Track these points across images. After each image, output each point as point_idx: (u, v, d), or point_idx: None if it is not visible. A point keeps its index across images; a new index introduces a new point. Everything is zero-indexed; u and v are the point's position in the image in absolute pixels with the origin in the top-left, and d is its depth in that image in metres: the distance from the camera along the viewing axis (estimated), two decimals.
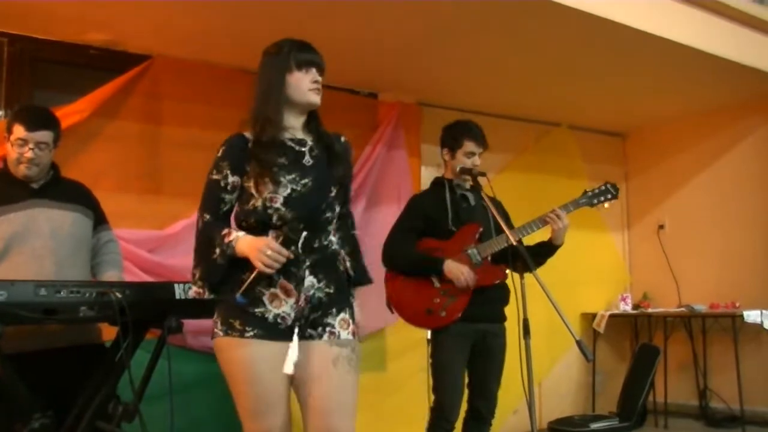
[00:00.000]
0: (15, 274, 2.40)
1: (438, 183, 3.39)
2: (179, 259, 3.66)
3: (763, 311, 5.11)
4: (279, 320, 2.09)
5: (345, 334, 2.16)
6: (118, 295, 2.32)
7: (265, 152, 2.13)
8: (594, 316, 5.77)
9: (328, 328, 2.14)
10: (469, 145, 3.26)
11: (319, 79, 2.22)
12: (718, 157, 5.75)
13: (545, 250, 3.27)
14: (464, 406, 3.30)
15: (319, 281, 2.13)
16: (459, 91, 4.94)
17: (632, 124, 6.17)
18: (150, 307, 2.43)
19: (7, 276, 2.36)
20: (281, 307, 2.09)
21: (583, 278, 5.73)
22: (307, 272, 2.11)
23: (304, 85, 2.19)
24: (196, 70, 4.04)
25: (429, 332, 3.25)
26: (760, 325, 5.12)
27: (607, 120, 5.99)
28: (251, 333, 2.06)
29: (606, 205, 3.39)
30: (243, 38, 3.79)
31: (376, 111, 4.75)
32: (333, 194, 2.20)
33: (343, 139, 2.34)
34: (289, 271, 2.09)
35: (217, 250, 2.09)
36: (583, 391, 5.78)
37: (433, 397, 3.22)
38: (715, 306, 5.42)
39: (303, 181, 2.13)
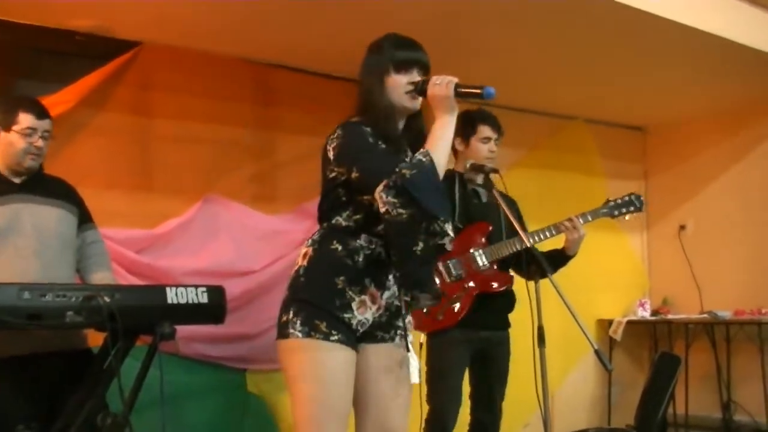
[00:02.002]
0: None
1: (447, 176, 3.35)
2: (170, 261, 3.67)
3: None
4: (359, 327, 2.19)
5: (411, 336, 2.32)
6: (107, 299, 2.32)
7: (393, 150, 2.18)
8: (610, 322, 5.78)
9: (399, 331, 2.28)
10: (485, 130, 3.26)
11: (418, 80, 2.20)
12: (746, 154, 5.75)
13: (557, 260, 3.27)
14: (466, 419, 3.30)
15: (398, 290, 2.26)
16: (468, 81, 4.93)
17: (654, 118, 6.16)
18: (141, 312, 2.43)
19: None
20: (365, 314, 2.20)
21: (598, 282, 5.73)
22: (392, 280, 2.25)
23: (401, 88, 2.20)
24: (190, 59, 4.02)
25: (422, 336, 3.23)
26: None
27: (626, 113, 5.97)
28: (336, 337, 2.13)
29: (627, 217, 3.43)
30: (239, 25, 3.79)
31: None
32: None
33: None
34: (380, 279, 2.22)
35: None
36: (599, 403, 5.79)
37: (428, 407, 3.22)
38: (739, 312, 5.42)
39: None
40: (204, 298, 2.56)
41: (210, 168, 4.06)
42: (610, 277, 5.88)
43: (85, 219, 2.95)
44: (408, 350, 2.27)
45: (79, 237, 2.91)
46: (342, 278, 2.16)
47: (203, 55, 4.07)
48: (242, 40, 4.01)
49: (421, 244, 2.04)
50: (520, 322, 3.29)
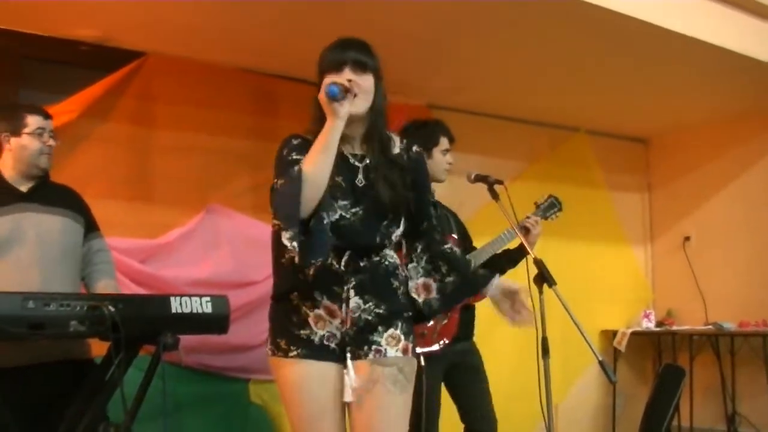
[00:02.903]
0: None
1: None
2: (173, 271, 3.68)
3: None
4: (325, 341, 2.10)
5: (392, 352, 2.12)
6: (111, 308, 2.31)
7: None
8: (614, 333, 5.77)
9: (374, 347, 2.11)
10: (445, 141, 3.31)
11: (351, 78, 2.06)
12: (749, 165, 5.76)
13: (517, 257, 3.31)
14: None
15: (365, 302, 2.11)
16: (470, 92, 4.96)
17: (656, 130, 6.18)
18: (144, 321, 2.42)
19: None
20: (326, 328, 2.10)
21: (602, 293, 5.74)
22: (352, 293, 2.10)
23: None
24: (192, 69, 4.06)
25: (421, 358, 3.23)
26: None
27: (628, 125, 5.99)
28: (295, 353, 2.09)
29: (554, 218, 3.51)
30: (242, 36, 3.81)
31: None
32: (386, 223, 2.15)
33: (414, 149, 2.26)
34: (332, 291, 2.09)
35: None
36: (603, 415, 5.78)
37: (464, 426, 3.25)
38: (744, 324, 5.41)
39: (353, 210, 2.11)
40: (208, 308, 2.54)
41: (211, 178, 4.08)
42: (614, 288, 5.89)
43: (91, 227, 2.96)
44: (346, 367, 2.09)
45: (85, 245, 2.91)
46: (295, 294, 2.11)
47: (205, 66, 4.10)
48: (244, 50, 4.04)
49: (287, 255, 2.03)
50: (523, 333, 3.27)
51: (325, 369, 2.09)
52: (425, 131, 3.33)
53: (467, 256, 3.18)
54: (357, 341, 2.10)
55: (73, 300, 2.31)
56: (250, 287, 3.86)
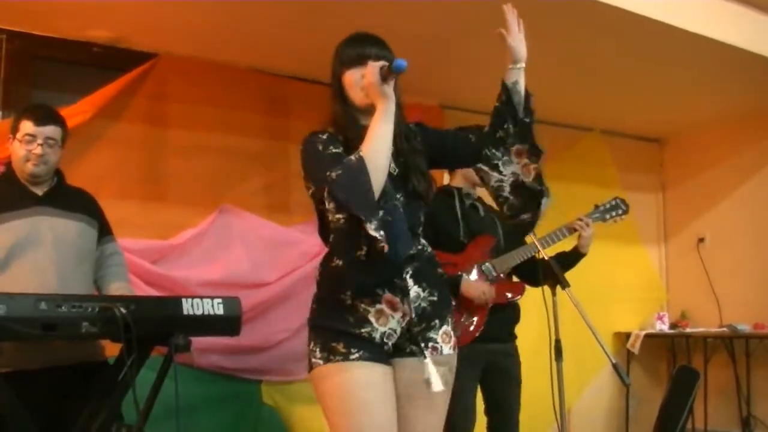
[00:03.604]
0: (16, 287, 2.42)
1: (446, 192, 3.35)
2: (186, 272, 3.69)
3: None
4: (386, 339, 2.02)
5: (447, 349, 2.09)
6: (123, 310, 2.32)
7: None
8: (628, 335, 5.74)
9: (431, 344, 2.06)
10: None
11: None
12: (764, 165, 5.70)
13: (570, 259, 3.32)
14: None
15: (423, 290, 2.06)
16: (482, 93, 4.90)
17: (671, 130, 6.14)
18: (156, 323, 2.43)
19: (7, 289, 2.37)
20: (388, 324, 2.02)
21: (615, 295, 5.71)
22: (410, 282, 2.04)
23: (356, 85, 2.09)
24: (204, 70, 4.07)
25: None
26: None
27: (643, 125, 5.96)
28: (356, 355, 1.97)
29: (617, 220, 3.46)
30: (253, 36, 3.82)
31: None
32: (424, 208, 2.15)
33: (413, 126, 2.23)
34: (392, 282, 2.02)
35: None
36: (616, 418, 5.75)
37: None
38: (759, 326, 5.37)
39: (397, 196, 2.08)
40: (220, 310, 2.55)
41: (223, 178, 4.09)
42: (627, 289, 5.86)
43: (104, 231, 2.96)
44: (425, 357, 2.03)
45: (99, 249, 2.92)
46: (349, 293, 2.02)
47: (217, 66, 4.11)
48: (255, 51, 4.04)
49: (364, 248, 1.96)
50: (537, 334, 3.27)
51: (385, 373, 2.02)
52: None
53: (507, 255, 3.23)
54: (412, 337, 2.04)
55: (85, 301, 2.32)
56: (262, 288, 3.88)
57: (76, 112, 3.52)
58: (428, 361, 2.02)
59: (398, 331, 2.03)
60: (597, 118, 5.68)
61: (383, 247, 1.89)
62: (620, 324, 5.81)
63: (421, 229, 2.15)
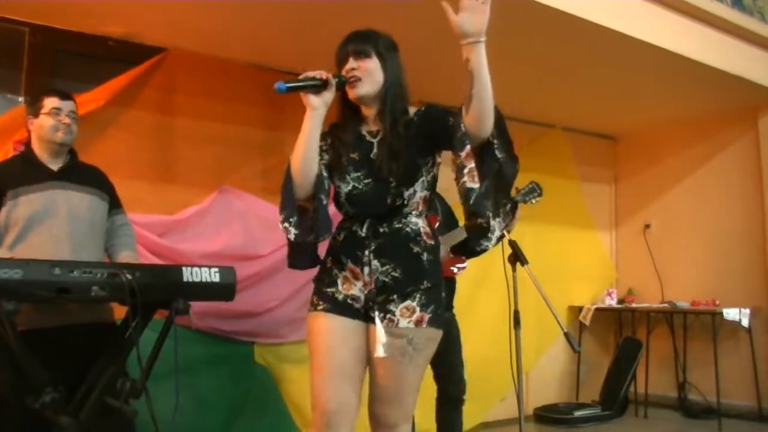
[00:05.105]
0: (33, 255, 2.40)
1: None
2: (188, 244, 3.66)
3: (742, 310, 5.13)
4: (350, 300, 2.08)
5: (405, 323, 2.00)
6: (129, 276, 2.32)
7: (341, 148, 2.14)
8: (581, 309, 5.78)
9: (388, 315, 2.02)
10: None
11: (354, 66, 2.07)
12: (704, 162, 5.76)
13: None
14: (434, 394, 3.31)
15: (382, 265, 2.04)
16: (457, 91, 4.92)
17: (624, 129, 6.16)
18: (159, 288, 2.43)
19: (25, 256, 2.35)
20: (351, 290, 2.08)
21: (571, 273, 5.74)
22: (371, 256, 2.05)
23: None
24: (210, 65, 4.01)
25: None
26: (739, 323, 5.13)
27: (600, 123, 5.97)
28: (321, 307, 2.09)
29: (534, 202, 3.39)
30: (255, 35, 3.78)
31: None
32: (394, 185, 2.05)
33: (422, 109, 2.15)
34: (356, 255, 2.07)
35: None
36: (568, 380, 5.79)
37: (436, 386, 3.24)
38: (696, 303, 5.42)
39: (366, 180, 2.09)
40: (216, 278, 2.55)
41: (224, 163, 4.05)
42: (581, 268, 5.89)
43: (115, 204, 2.94)
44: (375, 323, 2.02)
45: (109, 220, 2.90)
46: (329, 258, 2.14)
47: (221, 62, 4.06)
48: (256, 49, 4.00)
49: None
50: (499, 307, 3.28)
51: (347, 323, 2.06)
52: None
53: (450, 233, 3.19)
54: (378, 305, 2.03)
55: (95, 268, 2.31)
56: (257, 260, 3.85)
57: (91, 100, 3.48)
58: (378, 327, 2.00)
59: (362, 298, 2.07)
60: (559, 116, 5.67)
61: (292, 236, 2.07)
62: (574, 298, 5.85)
63: (402, 201, 2.05)
